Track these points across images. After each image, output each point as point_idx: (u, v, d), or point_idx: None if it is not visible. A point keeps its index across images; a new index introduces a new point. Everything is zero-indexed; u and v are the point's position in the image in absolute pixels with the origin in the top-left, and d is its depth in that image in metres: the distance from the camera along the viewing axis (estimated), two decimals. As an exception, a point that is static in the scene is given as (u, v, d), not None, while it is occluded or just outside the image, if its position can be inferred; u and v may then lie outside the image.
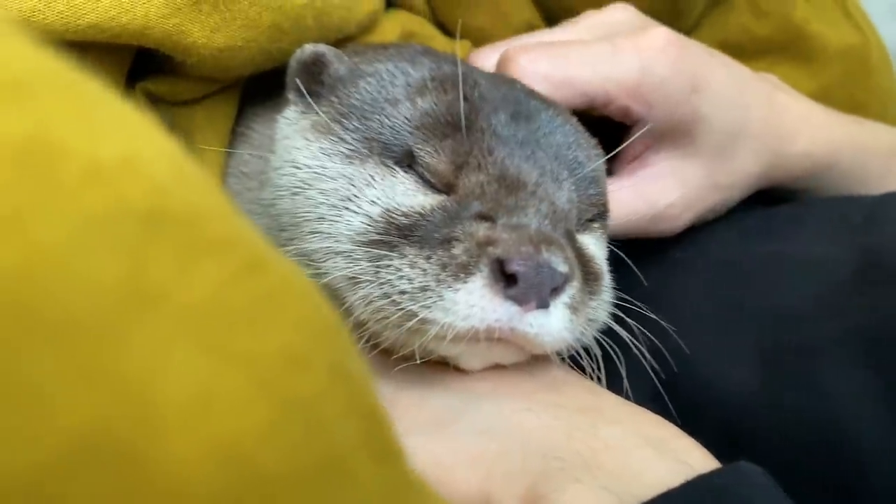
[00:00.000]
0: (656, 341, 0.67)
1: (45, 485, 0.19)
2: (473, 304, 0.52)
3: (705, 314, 0.73)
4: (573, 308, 0.56)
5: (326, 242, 0.56)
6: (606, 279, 0.64)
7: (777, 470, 0.52)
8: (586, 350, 0.61)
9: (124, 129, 0.26)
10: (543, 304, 0.53)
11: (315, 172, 0.59)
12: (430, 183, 0.58)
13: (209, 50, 0.60)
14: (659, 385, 0.66)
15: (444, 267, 0.53)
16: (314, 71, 0.64)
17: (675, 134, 0.76)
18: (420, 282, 0.53)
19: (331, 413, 0.26)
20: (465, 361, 0.57)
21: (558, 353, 0.60)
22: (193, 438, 0.22)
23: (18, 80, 0.23)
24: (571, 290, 0.56)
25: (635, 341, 0.64)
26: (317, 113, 0.62)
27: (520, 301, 0.52)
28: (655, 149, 0.77)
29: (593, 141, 0.68)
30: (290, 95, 0.65)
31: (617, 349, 0.63)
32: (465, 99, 0.59)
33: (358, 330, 0.56)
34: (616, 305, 0.65)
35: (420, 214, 0.56)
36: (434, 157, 0.58)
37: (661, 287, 0.76)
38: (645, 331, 0.65)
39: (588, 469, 0.50)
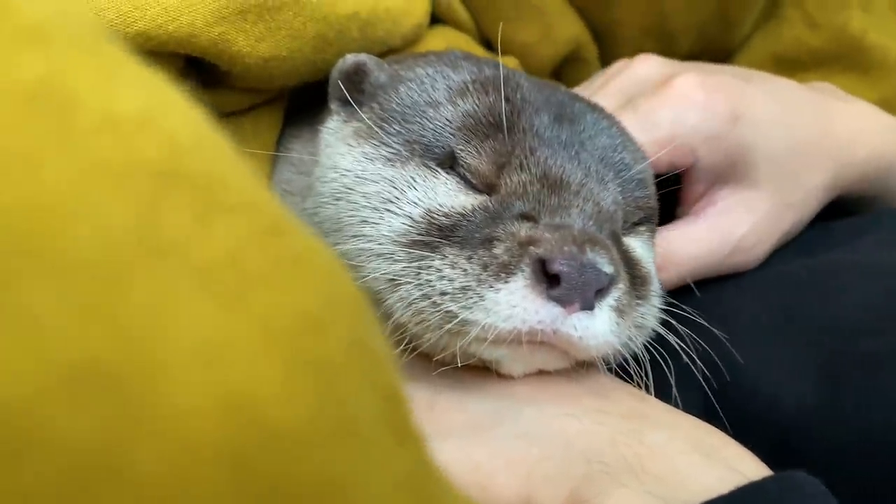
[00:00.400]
0: (709, 350, 0.65)
1: (32, 413, 0.19)
2: (515, 304, 0.51)
3: (760, 325, 0.71)
4: (619, 311, 0.54)
5: (368, 244, 0.56)
6: (655, 284, 0.62)
7: (836, 483, 0.49)
8: (634, 358, 0.59)
9: (145, 88, 0.26)
10: (588, 306, 0.52)
11: (357, 177, 0.59)
12: (472, 184, 0.58)
13: (254, 59, 0.61)
14: (711, 396, 0.64)
15: (485, 267, 0.52)
16: (356, 80, 0.65)
17: (731, 167, 0.75)
18: (461, 282, 0.52)
19: (347, 383, 0.25)
20: (507, 366, 0.56)
21: (605, 362, 0.58)
22: (198, 385, 0.21)
23: (37, 26, 0.23)
24: (617, 292, 0.54)
25: (686, 349, 0.62)
26: (358, 119, 0.62)
27: (563, 302, 0.51)
28: (718, 186, 0.76)
29: (639, 145, 0.67)
30: (333, 105, 0.66)
31: (667, 357, 0.61)
32: (507, 100, 0.58)
33: (398, 332, 0.56)
34: (666, 312, 0.63)
35: (461, 215, 0.55)
36: (475, 158, 0.57)
37: (713, 299, 0.74)
38: (698, 339, 0.64)
39: (634, 474, 0.48)
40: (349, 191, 0.59)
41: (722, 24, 0.95)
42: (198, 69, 0.65)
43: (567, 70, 0.95)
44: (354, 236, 0.58)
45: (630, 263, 0.59)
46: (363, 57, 0.65)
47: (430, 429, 0.53)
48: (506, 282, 0.51)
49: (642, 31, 0.92)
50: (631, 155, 0.62)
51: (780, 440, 0.63)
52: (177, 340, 0.21)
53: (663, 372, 0.61)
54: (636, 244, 0.62)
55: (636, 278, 0.59)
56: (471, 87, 0.60)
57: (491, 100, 0.59)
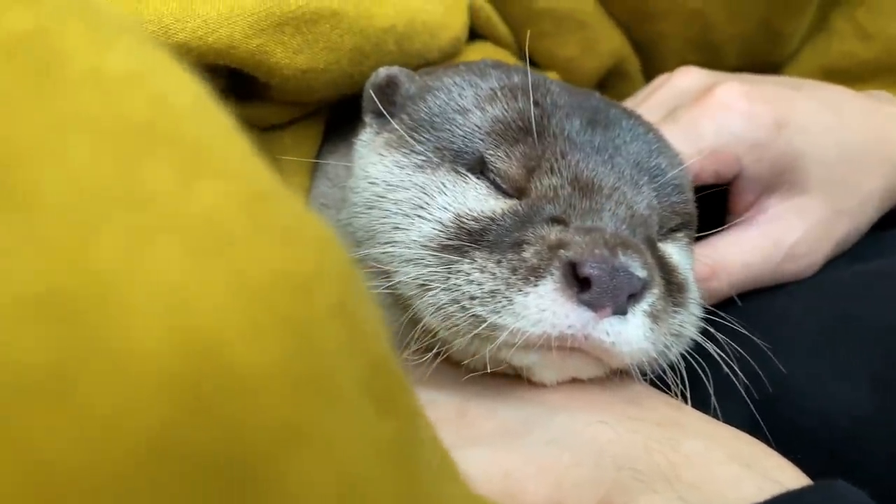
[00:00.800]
0: (752, 362, 0.63)
1: None
2: (544, 308, 0.50)
3: (809, 333, 0.69)
4: (654, 317, 0.53)
5: (398, 249, 0.56)
6: (693, 292, 0.61)
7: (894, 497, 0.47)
8: (672, 368, 0.58)
9: (139, 53, 0.26)
10: (620, 311, 0.51)
11: (388, 185, 0.60)
12: (502, 188, 0.57)
13: (291, 70, 0.62)
14: (752, 407, 0.62)
15: (514, 270, 0.51)
16: (388, 92, 0.65)
17: (779, 174, 0.74)
18: (490, 286, 0.52)
19: (324, 341, 0.24)
20: (538, 373, 0.55)
21: (641, 371, 0.57)
22: (159, 324, 0.21)
23: None
24: (651, 297, 0.53)
25: (727, 359, 0.60)
26: (390, 130, 0.62)
27: (594, 306, 0.50)
28: (767, 194, 0.75)
29: (676, 151, 0.66)
30: (367, 118, 0.66)
31: (706, 367, 0.59)
32: (536, 104, 0.58)
33: (427, 337, 0.56)
34: (706, 321, 0.61)
35: (491, 219, 0.55)
36: (505, 162, 0.57)
37: (760, 307, 0.73)
38: (740, 349, 0.62)
39: (667, 481, 0.47)
40: (381, 199, 0.60)
41: (768, 36, 0.94)
42: (239, 83, 0.67)
43: (610, 84, 0.94)
44: (386, 242, 0.58)
45: (666, 269, 0.58)
46: (395, 70, 0.66)
47: (460, 436, 0.53)
48: (535, 285, 0.51)
49: (686, 43, 0.92)
50: (667, 160, 0.62)
51: (833, 453, 0.61)
52: (143, 283, 0.21)
53: (705, 384, 0.60)
54: (673, 250, 0.61)
55: (672, 285, 0.57)
56: (499, 93, 0.60)
57: (520, 105, 0.59)
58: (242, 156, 0.27)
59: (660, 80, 0.83)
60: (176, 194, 0.23)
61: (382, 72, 0.65)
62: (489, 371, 0.56)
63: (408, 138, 0.61)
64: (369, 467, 0.24)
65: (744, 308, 0.71)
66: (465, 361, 0.56)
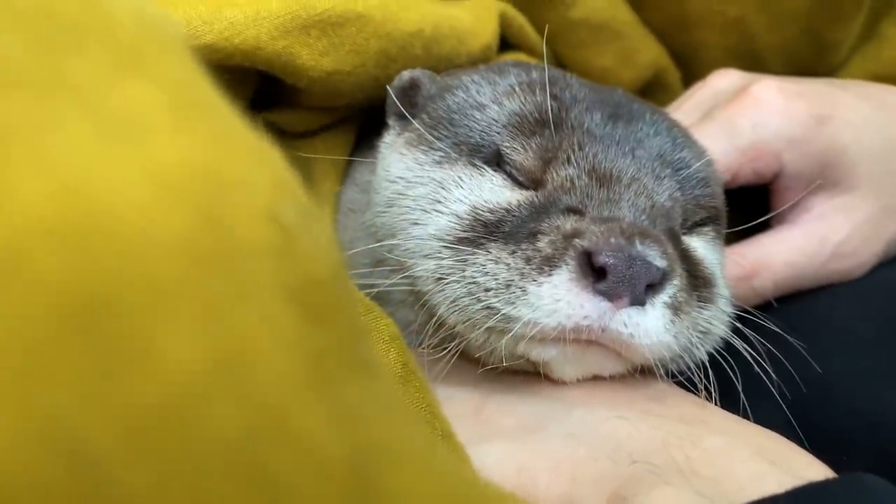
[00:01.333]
0: (790, 364, 0.61)
1: None
2: (559, 298, 0.49)
3: (856, 335, 0.66)
4: (675, 309, 0.52)
5: (416, 244, 0.56)
6: (721, 288, 0.59)
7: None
8: (700, 366, 0.56)
9: None
10: (638, 301, 0.50)
11: (408, 182, 0.60)
12: (518, 180, 0.57)
13: (317, 73, 0.63)
14: (793, 409, 0.60)
15: (528, 261, 0.51)
16: (410, 94, 0.66)
17: (822, 171, 0.72)
18: (504, 277, 0.51)
19: (238, 236, 0.24)
20: (558, 369, 0.54)
21: (664, 367, 0.55)
22: (52, 182, 0.21)
23: None
24: (672, 288, 0.52)
25: (760, 360, 0.58)
26: (411, 129, 0.63)
27: (610, 297, 0.49)
28: (812, 193, 0.73)
29: (704, 149, 0.64)
30: (390, 120, 0.67)
31: (736, 368, 0.57)
32: (554, 98, 0.58)
33: (445, 333, 0.55)
34: (743, 322, 0.59)
35: (506, 210, 0.55)
36: (521, 154, 0.57)
37: (804, 308, 0.70)
38: (773, 349, 0.60)
39: (682, 474, 0.45)
40: (400, 196, 0.60)
41: (814, 44, 0.91)
42: (271, 90, 0.69)
43: (650, 96, 0.93)
44: (405, 238, 0.58)
45: (690, 262, 0.56)
46: (418, 72, 0.66)
47: (477, 432, 0.53)
48: (549, 275, 0.50)
49: (726, 52, 0.90)
50: (692, 153, 0.60)
51: (881, 457, 0.58)
52: (37, 146, 0.21)
53: (742, 384, 0.58)
54: (698, 244, 0.60)
55: (698, 279, 0.56)
56: (517, 89, 0.60)
57: (538, 98, 0.58)
58: (184, 64, 0.27)
59: (697, 85, 0.82)
60: (99, 86, 0.24)
61: (406, 74, 0.66)
62: (508, 368, 0.55)
63: (427, 136, 0.61)
64: (271, 358, 0.23)
65: (785, 310, 0.69)
66: (483, 357, 0.55)
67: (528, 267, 0.50)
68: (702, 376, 0.55)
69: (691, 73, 0.93)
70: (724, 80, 0.78)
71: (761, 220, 0.72)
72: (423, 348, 0.57)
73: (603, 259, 0.49)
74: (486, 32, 0.75)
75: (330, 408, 0.24)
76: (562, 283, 0.49)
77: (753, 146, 0.71)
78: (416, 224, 0.57)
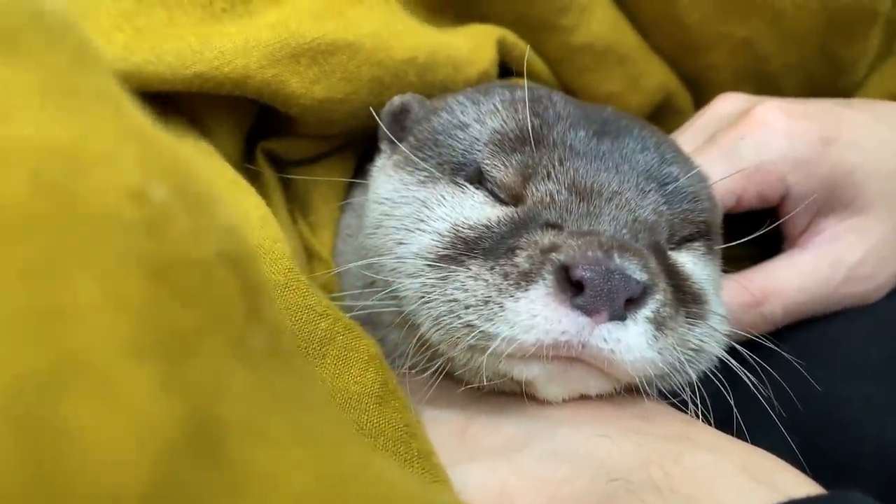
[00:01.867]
0: (793, 389, 0.59)
1: None
2: (536, 314, 0.49)
3: (869, 360, 0.64)
4: (658, 324, 0.50)
5: (399, 263, 0.56)
6: (714, 305, 0.57)
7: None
8: (691, 385, 0.54)
9: None
10: (618, 316, 0.49)
11: (393, 202, 0.60)
12: (499, 197, 0.57)
13: (308, 100, 0.64)
14: (801, 434, 0.58)
15: (505, 276, 0.50)
16: (401, 119, 0.66)
17: (832, 192, 0.70)
18: (483, 294, 0.50)
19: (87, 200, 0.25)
20: (543, 389, 0.53)
21: (654, 387, 0.54)
22: None
23: None
24: (654, 303, 0.50)
25: (758, 384, 0.56)
26: (398, 152, 0.63)
27: (588, 311, 0.48)
28: (822, 215, 0.71)
29: (695, 165, 0.63)
30: (382, 145, 0.68)
31: (738, 392, 0.55)
32: (536, 115, 0.58)
33: (429, 353, 0.55)
34: (748, 344, 0.57)
35: (486, 227, 0.54)
36: (501, 171, 0.57)
37: (817, 332, 0.68)
38: (776, 374, 0.58)
39: (658, 492, 0.44)
40: (387, 216, 0.60)
41: (829, 63, 0.89)
42: (269, 120, 0.70)
43: (661, 121, 0.92)
44: (391, 259, 0.58)
45: (678, 278, 0.55)
46: (408, 97, 0.67)
47: (461, 452, 0.52)
48: (526, 290, 0.49)
49: (737, 74, 0.89)
50: (680, 168, 0.59)
51: (890, 486, 0.55)
52: None
53: (746, 408, 0.56)
54: (687, 259, 0.58)
55: (686, 294, 0.54)
56: (500, 107, 0.60)
57: (520, 116, 0.58)
58: (70, 64, 0.28)
59: (702, 110, 0.81)
60: None
61: (396, 99, 0.67)
62: (495, 389, 0.54)
63: (413, 157, 0.61)
64: (95, 316, 0.23)
65: (795, 334, 0.67)
66: (468, 377, 0.54)
67: (505, 282, 0.50)
68: (696, 398, 0.53)
69: (703, 97, 0.91)
70: (727, 103, 0.77)
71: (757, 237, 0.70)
72: (406, 370, 0.56)
73: (580, 273, 0.48)
74: (482, 60, 0.75)
75: (169, 377, 0.24)
76: (538, 297, 0.49)
77: (757, 169, 0.69)
78: (400, 244, 0.57)
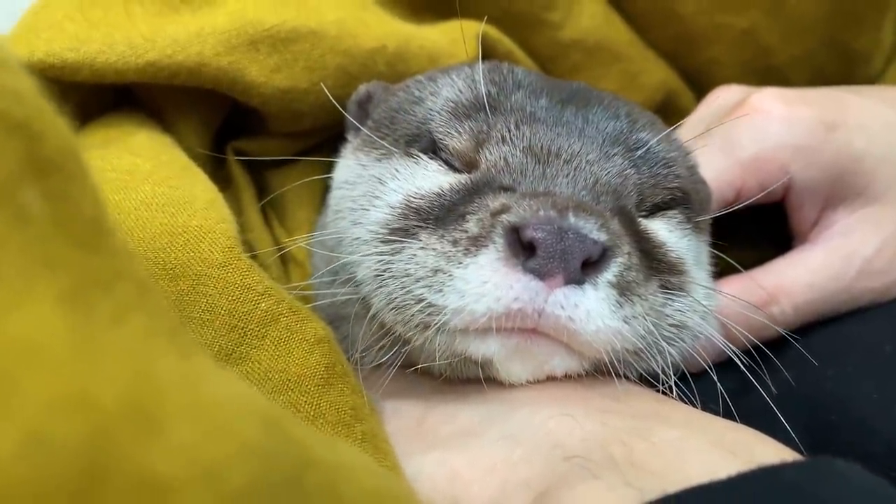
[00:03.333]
0: (798, 385, 0.53)
1: None
2: (486, 280, 0.45)
3: (882, 356, 0.58)
4: (622, 289, 0.45)
5: (356, 246, 0.53)
6: (696, 276, 0.52)
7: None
8: (670, 367, 0.49)
9: None
10: (574, 280, 0.44)
11: (350, 183, 0.58)
12: (454, 166, 0.53)
13: (270, 90, 0.62)
14: (811, 430, 0.52)
15: (454, 243, 0.46)
16: (366, 107, 0.64)
17: (839, 181, 0.66)
18: (432, 264, 0.47)
19: None
20: (503, 369, 0.48)
21: (630, 367, 0.49)
22: None
23: None
24: (617, 266, 0.46)
25: (760, 374, 0.51)
26: (360, 137, 0.61)
27: (542, 275, 0.44)
28: (831, 207, 0.67)
29: (675, 136, 0.59)
30: (348, 135, 0.65)
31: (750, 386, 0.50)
32: (493, 83, 0.54)
33: (389, 340, 0.51)
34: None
35: (438, 195, 0.51)
36: (454, 138, 0.53)
37: (830, 326, 0.62)
38: (785, 369, 0.53)
39: (616, 468, 0.39)
40: (346, 199, 0.57)
41: (839, 56, 0.85)
42: (243, 120, 0.68)
43: (663, 121, 0.88)
44: (349, 242, 0.54)
45: (650, 245, 0.50)
46: (373, 84, 0.65)
47: (417, 443, 0.47)
48: (475, 256, 0.45)
49: (742, 69, 0.85)
50: (653, 134, 0.55)
51: None
52: None
53: (755, 407, 0.51)
54: (660, 226, 0.54)
55: (661, 263, 0.50)
56: (455, 79, 0.58)
57: (476, 85, 0.55)
58: None
59: (700, 103, 0.77)
60: None
61: (362, 88, 0.65)
62: (459, 377, 0.50)
63: (371, 136, 0.59)
64: None
65: (810, 330, 0.62)
66: (425, 362, 0.50)
67: (454, 249, 0.46)
68: (668, 377, 0.48)
69: (707, 93, 0.88)
70: (724, 94, 0.73)
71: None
72: (362, 360, 0.52)
73: (531, 233, 0.44)
74: (462, 54, 0.72)
75: None
76: (488, 263, 0.45)
77: (755, 158, 0.65)
78: (356, 224, 0.54)
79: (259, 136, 0.68)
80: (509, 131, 0.52)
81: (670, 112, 0.87)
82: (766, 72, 0.85)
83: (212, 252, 0.49)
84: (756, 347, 0.58)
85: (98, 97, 0.62)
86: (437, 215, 0.49)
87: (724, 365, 0.57)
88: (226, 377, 0.25)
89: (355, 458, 0.29)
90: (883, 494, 0.34)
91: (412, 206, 0.51)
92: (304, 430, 0.27)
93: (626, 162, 0.52)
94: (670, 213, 0.55)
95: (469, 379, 0.51)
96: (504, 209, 0.46)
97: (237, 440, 0.22)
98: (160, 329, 0.24)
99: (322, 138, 0.70)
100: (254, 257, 0.58)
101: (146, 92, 0.63)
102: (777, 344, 0.61)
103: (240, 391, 0.24)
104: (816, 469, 0.34)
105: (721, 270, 0.64)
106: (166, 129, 0.62)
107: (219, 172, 0.67)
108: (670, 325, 0.49)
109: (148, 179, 0.53)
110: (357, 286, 0.53)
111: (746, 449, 0.40)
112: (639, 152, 0.53)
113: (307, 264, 0.66)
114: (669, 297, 0.49)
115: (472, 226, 0.46)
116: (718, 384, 0.51)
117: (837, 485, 0.34)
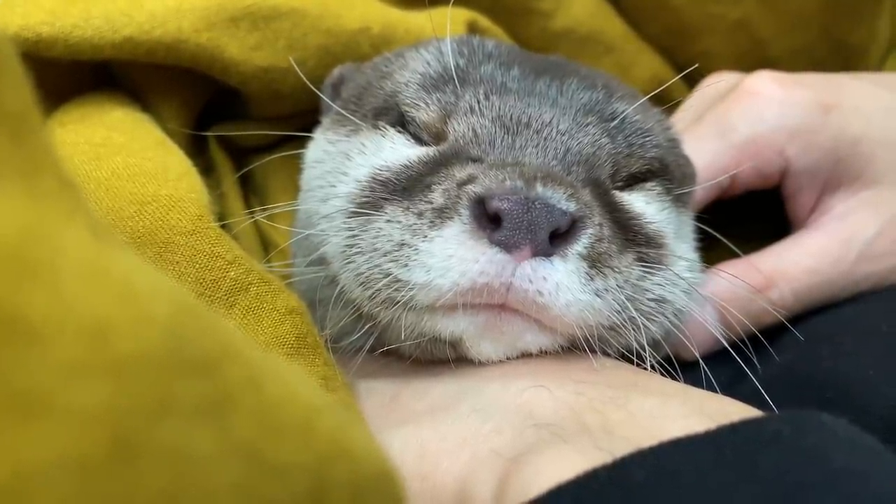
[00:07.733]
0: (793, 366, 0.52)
1: None
2: (451, 254, 0.43)
3: (879, 333, 0.56)
4: (592, 261, 0.44)
5: (322, 222, 0.51)
6: (676, 249, 0.51)
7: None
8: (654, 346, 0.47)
9: None
10: (542, 252, 0.43)
11: (319, 161, 0.57)
12: (421, 138, 0.52)
13: (250, 68, 0.61)
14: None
15: (420, 215, 0.45)
16: (340, 89, 0.63)
17: (837, 165, 0.64)
18: (398, 237, 0.45)
19: None
20: (475, 347, 0.47)
21: (607, 342, 0.47)
22: None
23: None
24: (587, 237, 0.44)
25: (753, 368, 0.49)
26: (330, 116, 0.60)
27: (508, 247, 0.42)
28: (830, 191, 0.65)
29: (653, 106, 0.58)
30: (322, 118, 0.64)
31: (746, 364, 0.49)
32: (462, 56, 0.53)
33: (361, 321, 0.49)
34: None
35: (405, 167, 0.49)
36: (421, 110, 0.52)
37: (822, 315, 0.61)
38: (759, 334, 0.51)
39: (586, 433, 0.37)
40: (313, 177, 0.56)
41: (836, 49, 0.84)
42: (223, 107, 0.67)
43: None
44: (318, 220, 0.53)
45: (625, 216, 0.48)
46: (347, 66, 0.63)
47: (389, 420, 0.46)
48: (440, 228, 0.44)
49: (737, 61, 0.83)
50: (630, 104, 0.53)
51: None
52: None
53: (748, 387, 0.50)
54: (637, 198, 0.52)
55: (637, 235, 0.48)
56: (424, 52, 0.57)
57: (444, 58, 0.54)
58: None
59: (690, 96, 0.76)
60: None
61: (336, 70, 0.64)
62: (432, 358, 0.48)
63: (342, 114, 0.57)
64: None
65: (802, 316, 0.60)
66: (394, 341, 0.48)
67: (419, 222, 0.44)
68: (651, 354, 0.46)
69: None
70: (717, 80, 0.71)
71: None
72: (332, 336, 0.51)
73: (496, 204, 0.42)
74: (450, 39, 0.71)
75: None
76: (453, 236, 0.43)
77: (750, 141, 0.63)
78: (324, 201, 0.53)
79: (241, 121, 0.67)
80: (478, 102, 0.50)
81: (663, 105, 0.86)
82: (761, 64, 0.83)
83: (180, 220, 0.48)
84: (750, 336, 0.57)
85: (77, 76, 0.61)
86: (404, 186, 0.48)
87: (717, 360, 0.55)
88: (147, 268, 0.23)
89: (298, 375, 0.27)
90: (871, 447, 0.32)
91: (379, 179, 0.49)
92: (237, 333, 0.25)
93: (599, 132, 0.51)
94: (648, 184, 0.53)
95: (441, 360, 0.49)
96: (470, 179, 0.44)
97: (134, 308, 0.21)
98: (78, 215, 0.23)
99: (305, 123, 0.69)
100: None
101: (126, 71, 0.62)
102: (771, 330, 0.59)
103: (159, 277, 0.23)
104: (801, 420, 0.33)
105: (717, 256, 0.63)
106: (146, 109, 0.62)
107: (201, 158, 0.66)
108: (650, 299, 0.47)
109: (121, 151, 0.52)
110: (328, 265, 0.52)
111: (726, 417, 0.38)
112: (614, 122, 0.51)
113: (287, 251, 0.65)
114: (648, 270, 0.47)
115: (437, 196, 0.45)
116: (710, 377, 0.49)
117: (823, 436, 0.32)
